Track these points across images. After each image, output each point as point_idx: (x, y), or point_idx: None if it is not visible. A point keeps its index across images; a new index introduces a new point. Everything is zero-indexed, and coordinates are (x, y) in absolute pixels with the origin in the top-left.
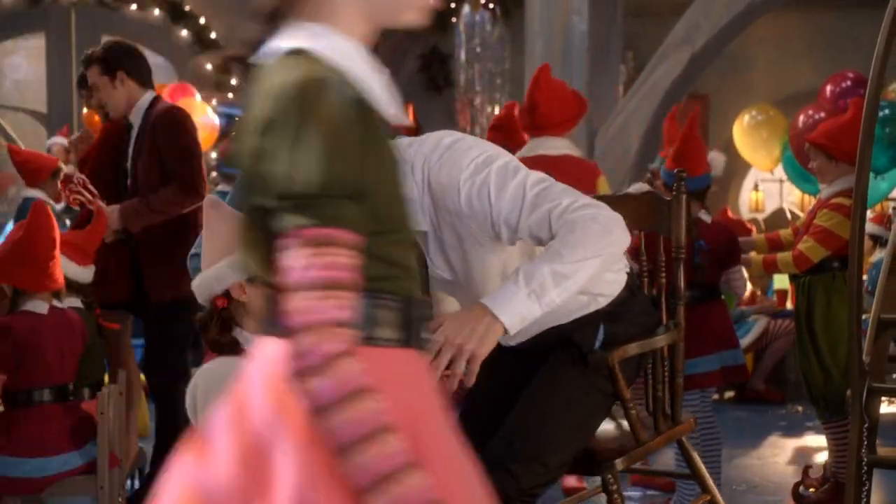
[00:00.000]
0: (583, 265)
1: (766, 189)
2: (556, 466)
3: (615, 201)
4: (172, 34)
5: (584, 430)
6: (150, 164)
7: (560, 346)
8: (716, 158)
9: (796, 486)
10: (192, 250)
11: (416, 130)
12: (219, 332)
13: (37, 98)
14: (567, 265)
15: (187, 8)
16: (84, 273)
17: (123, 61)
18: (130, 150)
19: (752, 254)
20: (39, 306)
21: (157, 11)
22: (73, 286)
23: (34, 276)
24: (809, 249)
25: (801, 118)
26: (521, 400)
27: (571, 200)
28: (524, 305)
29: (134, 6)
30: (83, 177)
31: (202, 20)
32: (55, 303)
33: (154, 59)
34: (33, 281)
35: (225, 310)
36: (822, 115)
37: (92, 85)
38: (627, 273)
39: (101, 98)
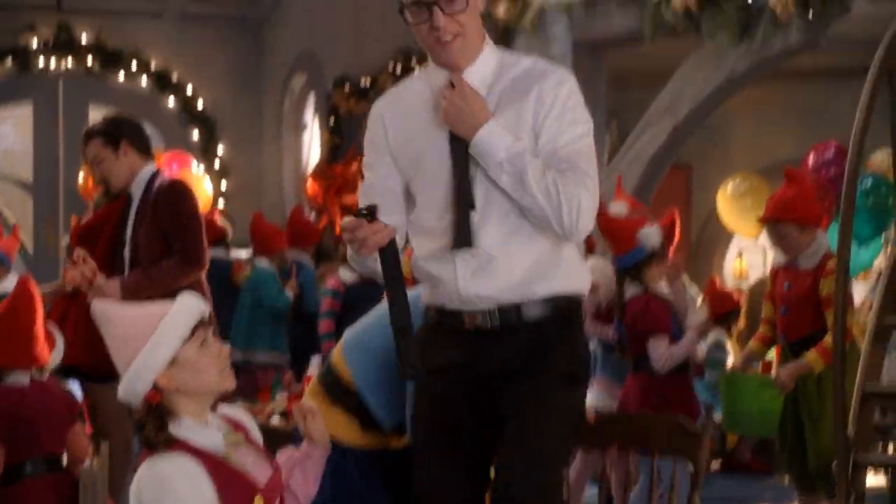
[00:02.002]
0: (542, 193)
1: (750, 257)
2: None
3: None
4: (160, 103)
5: (572, 438)
6: (152, 236)
7: (538, 370)
8: (648, 232)
9: None
10: None
11: None
12: (155, 430)
13: (23, 167)
14: (537, 182)
15: (174, 77)
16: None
17: (126, 132)
18: (131, 221)
19: (807, 354)
20: (21, 379)
21: (144, 81)
22: None
23: (15, 352)
24: (848, 318)
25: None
26: (517, 427)
27: (585, 183)
28: (493, 153)
29: (121, 76)
30: (83, 252)
31: (189, 89)
32: (35, 375)
33: None
34: (14, 357)
35: (159, 405)
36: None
37: (94, 158)
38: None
39: (104, 170)
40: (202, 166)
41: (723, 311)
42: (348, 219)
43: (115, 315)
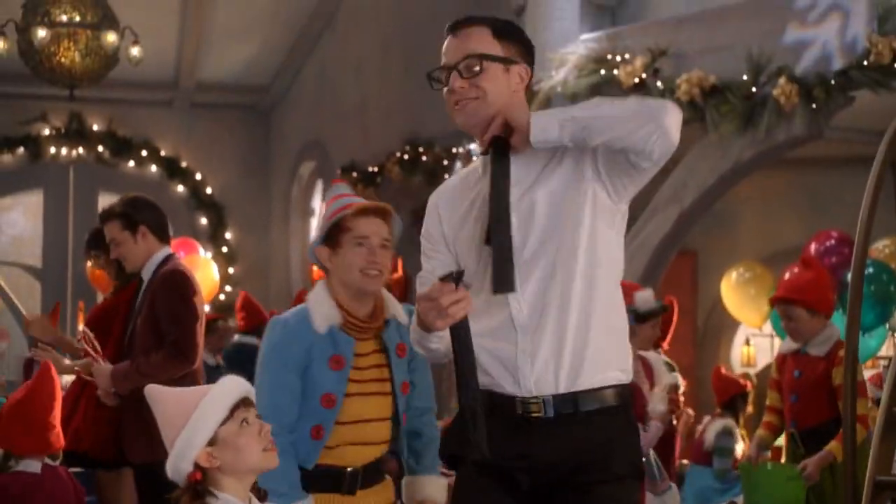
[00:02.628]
0: (619, 108)
1: (758, 344)
2: None
3: None
4: (169, 190)
5: None
6: (146, 326)
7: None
8: (643, 295)
9: None
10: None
11: (404, 282)
12: (191, 500)
13: (32, 253)
14: (606, 104)
15: (184, 164)
16: None
17: (145, 217)
18: (136, 307)
19: (831, 445)
20: (33, 465)
21: (154, 168)
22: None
23: (29, 440)
24: (863, 407)
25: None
26: None
27: None
28: (552, 115)
29: (131, 163)
30: (90, 332)
31: (198, 176)
32: (48, 461)
33: None
34: (28, 445)
35: (199, 482)
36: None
37: (111, 240)
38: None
39: (121, 253)
40: (210, 252)
41: (729, 396)
42: (429, 287)
43: (162, 397)
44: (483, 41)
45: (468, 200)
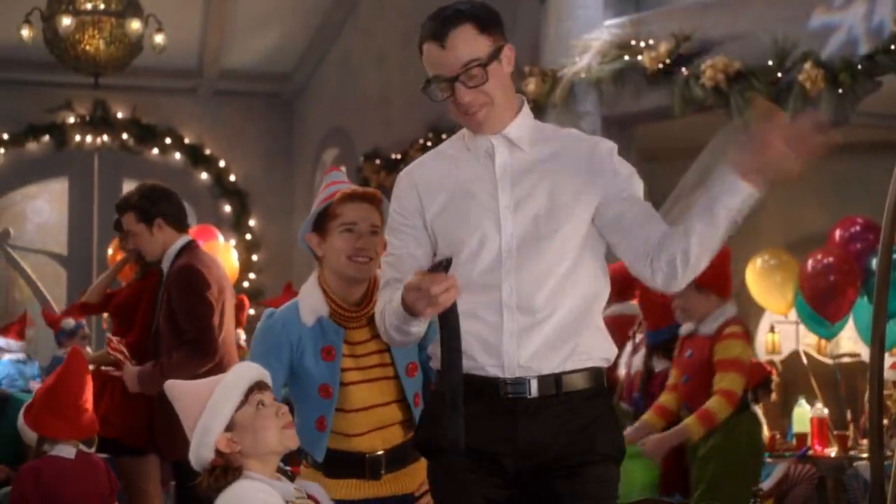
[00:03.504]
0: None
1: (782, 331)
2: None
3: None
4: (193, 177)
5: None
6: (166, 323)
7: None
8: None
9: None
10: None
11: None
12: (217, 479)
13: (57, 241)
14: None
15: (207, 152)
16: None
17: (161, 207)
18: (160, 301)
19: (686, 421)
20: (66, 451)
21: (177, 155)
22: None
23: (61, 424)
24: (733, 383)
25: (810, 262)
26: None
27: None
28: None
29: (155, 150)
30: (119, 339)
31: (221, 163)
32: (82, 447)
33: None
34: (59, 429)
35: (219, 466)
36: (831, 259)
37: (128, 231)
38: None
39: (137, 243)
40: (234, 240)
41: (755, 383)
42: (418, 275)
43: (180, 390)
44: (476, 45)
45: (447, 192)
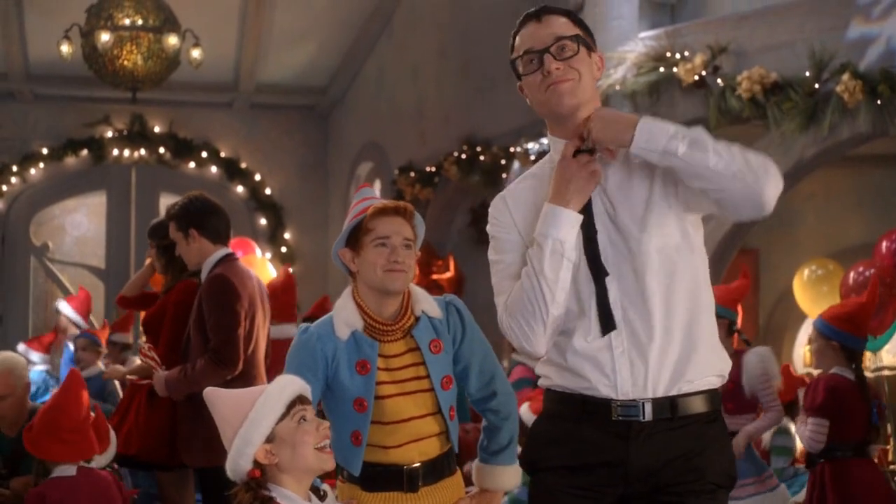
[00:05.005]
0: (727, 154)
1: None
2: None
3: None
4: (229, 191)
5: None
6: (197, 332)
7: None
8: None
9: None
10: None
11: (459, 281)
12: (250, 496)
13: (95, 254)
14: (712, 152)
15: (243, 165)
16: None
17: (195, 219)
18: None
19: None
20: (67, 470)
21: (214, 169)
22: None
23: (59, 448)
24: None
25: (852, 275)
26: None
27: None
28: (661, 133)
29: (192, 164)
30: (149, 344)
31: (257, 177)
32: (83, 463)
33: None
34: (58, 453)
35: (255, 479)
36: (873, 271)
37: (173, 239)
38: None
39: (180, 252)
40: (269, 253)
41: (793, 395)
42: (571, 160)
43: (219, 398)
44: (569, 26)
45: (537, 208)
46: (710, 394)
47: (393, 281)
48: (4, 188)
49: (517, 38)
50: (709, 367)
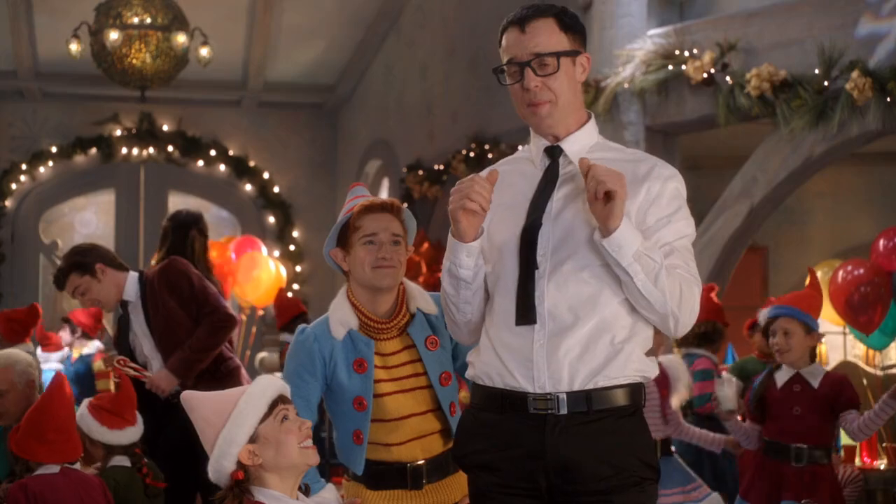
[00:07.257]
0: (667, 295)
1: (830, 341)
2: None
3: None
4: (237, 189)
5: None
6: (171, 319)
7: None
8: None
9: None
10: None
11: None
12: (234, 498)
13: None
14: (657, 290)
15: (251, 163)
16: (120, 436)
17: (94, 256)
18: (142, 317)
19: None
20: (50, 469)
21: (222, 167)
22: (116, 450)
23: (43, 449)
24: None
25: (840, 273)
26: None
27: (696, 284)
28: (631, 242)
29: (200, 163)
30: (123, 360)
31: (265, 175)
32: (66, 465)
33: (219, 213)
34: (41, 454)
35: (241, 481)
36: (861, 270)
37: (80, 294)
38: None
39: (94, 297)
40: (278, 251)
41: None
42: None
43: (198, 401)
44: (552, 36)
45: (507, 201)
46: (631, 388)
47: (382, 277)
48: (14, 186)
49: (503, 40)
50: (629, 367)
